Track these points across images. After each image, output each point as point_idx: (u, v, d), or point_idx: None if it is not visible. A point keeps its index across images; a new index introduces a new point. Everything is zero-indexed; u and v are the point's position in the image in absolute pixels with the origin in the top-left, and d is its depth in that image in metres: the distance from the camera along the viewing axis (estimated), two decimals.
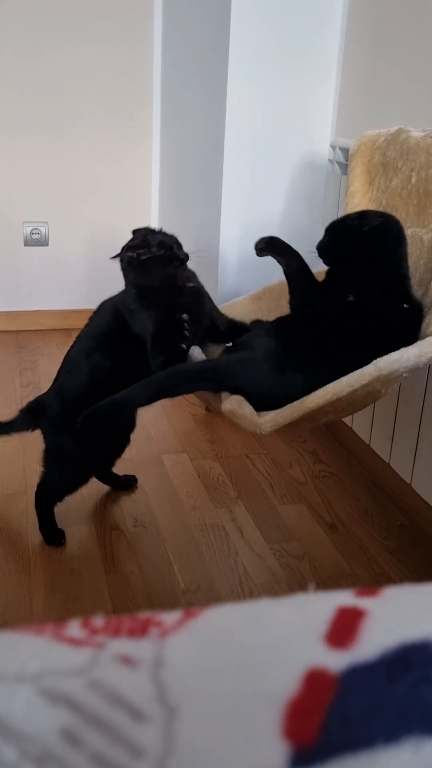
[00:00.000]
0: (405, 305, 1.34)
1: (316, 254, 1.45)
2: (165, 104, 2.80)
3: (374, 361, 1.17)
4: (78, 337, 1.56)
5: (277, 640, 0.40)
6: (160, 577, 1.53)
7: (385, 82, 1.88)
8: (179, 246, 1.46)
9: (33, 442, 1.62)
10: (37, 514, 1.62)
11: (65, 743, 0.35)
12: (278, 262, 1.49)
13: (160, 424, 2.20)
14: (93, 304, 1.60)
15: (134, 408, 1.52)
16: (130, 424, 1.69)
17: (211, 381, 1.32)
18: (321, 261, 1.47)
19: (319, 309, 1.39)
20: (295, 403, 1.20)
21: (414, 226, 1.47)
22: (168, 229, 1.49)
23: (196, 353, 1.44)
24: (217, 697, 0.37)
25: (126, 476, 1.85)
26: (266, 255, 1.49)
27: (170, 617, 0.43)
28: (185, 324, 1.37)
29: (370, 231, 1.37)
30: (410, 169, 1.50)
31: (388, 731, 0.34)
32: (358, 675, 0.38)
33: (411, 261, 1.42)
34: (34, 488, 1.62)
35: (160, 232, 1.47)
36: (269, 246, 1.49)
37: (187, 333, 1.37)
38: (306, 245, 1.48)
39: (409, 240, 1.42)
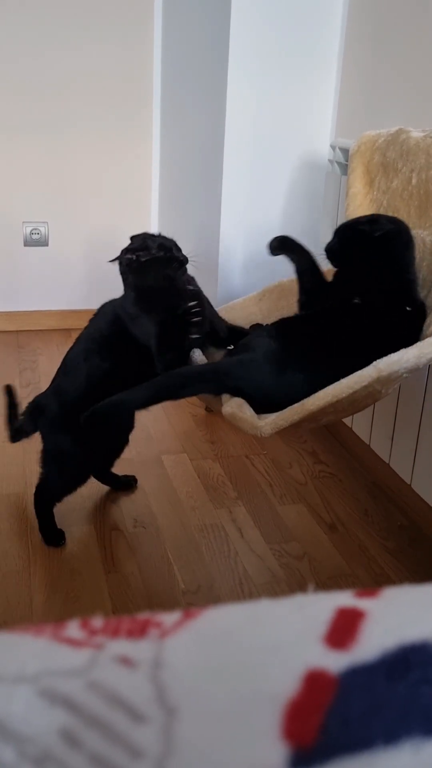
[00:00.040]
0: (408, 308, 1.34)
1: (324, 255, 1.45)
2: (165, 104, 2.80)
3: (374, 363, 1.17)
4: (77, 339, 1.57)
5: (276, 641, 0.40)
6: (160, 577, 1.53)
7: (385, 82, 1.88)
8: (178, 249, 1.46)
9: (33, 442, 1.63)
10: (36, 514, 1.62)
11: (64, 744, 0.35)
12: (290, 260, 1.49)
13: (160, 425, 2.20)
14: (93, 305, 1.60)
15: (134, 410, 1.52)
16: (129, 425, 1.70)
17: (211, 383, 1.32)
18: (327, 261, 1.47)
19: (322, 310, 1.40)
20: (295, 406, 1.20)
21: (416, 227, 1.47)
22: (167, 231, 1.49)
23: (197, 357, 1.44)
24: (217, 698, 0.37)
25: (126, 476, 1.85)
26: (279, 254, 1.49)
27: (170, 618, 0.43)
28: (192, 312, 1.34)
29: (381, 236, 1.37)
30: (410, 170, 1.50)
31: (388, 732, 0.34)
32: (358, 676, 0.38)
33: None
34: (34, 488, 1.62)
35: (159, 236, 1.48)
36: (282, 245, 1.49)
37: (195, 320, 1.33)
38: (306, 245, 1.48)
39: None
